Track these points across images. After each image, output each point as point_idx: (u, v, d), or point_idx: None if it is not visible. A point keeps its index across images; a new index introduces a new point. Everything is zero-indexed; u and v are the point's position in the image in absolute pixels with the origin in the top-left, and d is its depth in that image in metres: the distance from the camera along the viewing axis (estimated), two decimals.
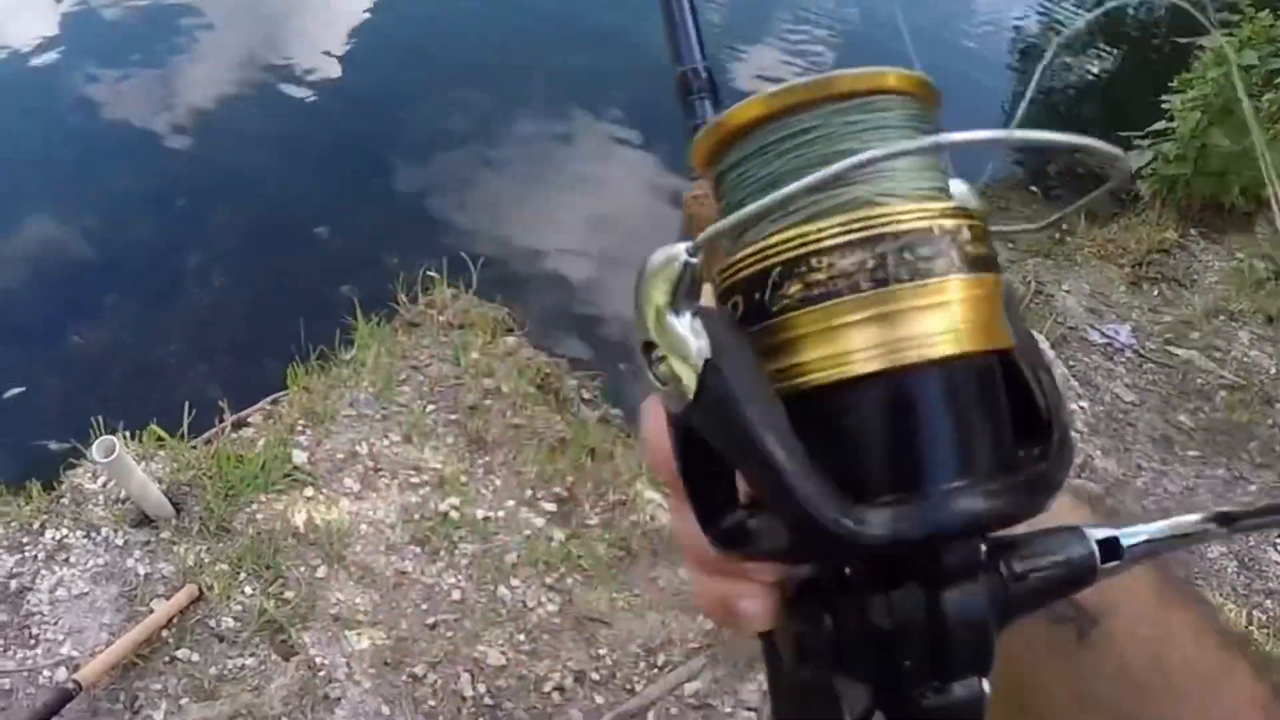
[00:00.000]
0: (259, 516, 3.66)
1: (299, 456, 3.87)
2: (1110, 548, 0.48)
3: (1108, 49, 10.14)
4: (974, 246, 0.45)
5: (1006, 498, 0.44)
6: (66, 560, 3.50)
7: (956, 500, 0.43)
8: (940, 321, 0.43)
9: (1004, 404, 0.46)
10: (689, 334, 0.44)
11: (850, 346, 0.43)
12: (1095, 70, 9.90)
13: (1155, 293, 5.74)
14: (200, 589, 3.40)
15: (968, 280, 0.44)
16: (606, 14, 7.98)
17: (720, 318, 0.45)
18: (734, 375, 0.43)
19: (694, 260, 0.44)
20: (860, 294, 0.43)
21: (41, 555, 3.52)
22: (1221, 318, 5.56)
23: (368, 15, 8.29)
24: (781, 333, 0.44)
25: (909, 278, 0.43)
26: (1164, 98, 6.24)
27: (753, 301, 0.45)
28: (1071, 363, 5.04)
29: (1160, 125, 6.18)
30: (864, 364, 0.43)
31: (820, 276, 0.43)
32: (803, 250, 0.44)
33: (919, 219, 0.44)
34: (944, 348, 0.43)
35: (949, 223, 0.45)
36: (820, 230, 0.43)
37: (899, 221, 0.43)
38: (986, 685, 0.45)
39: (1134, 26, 10.80)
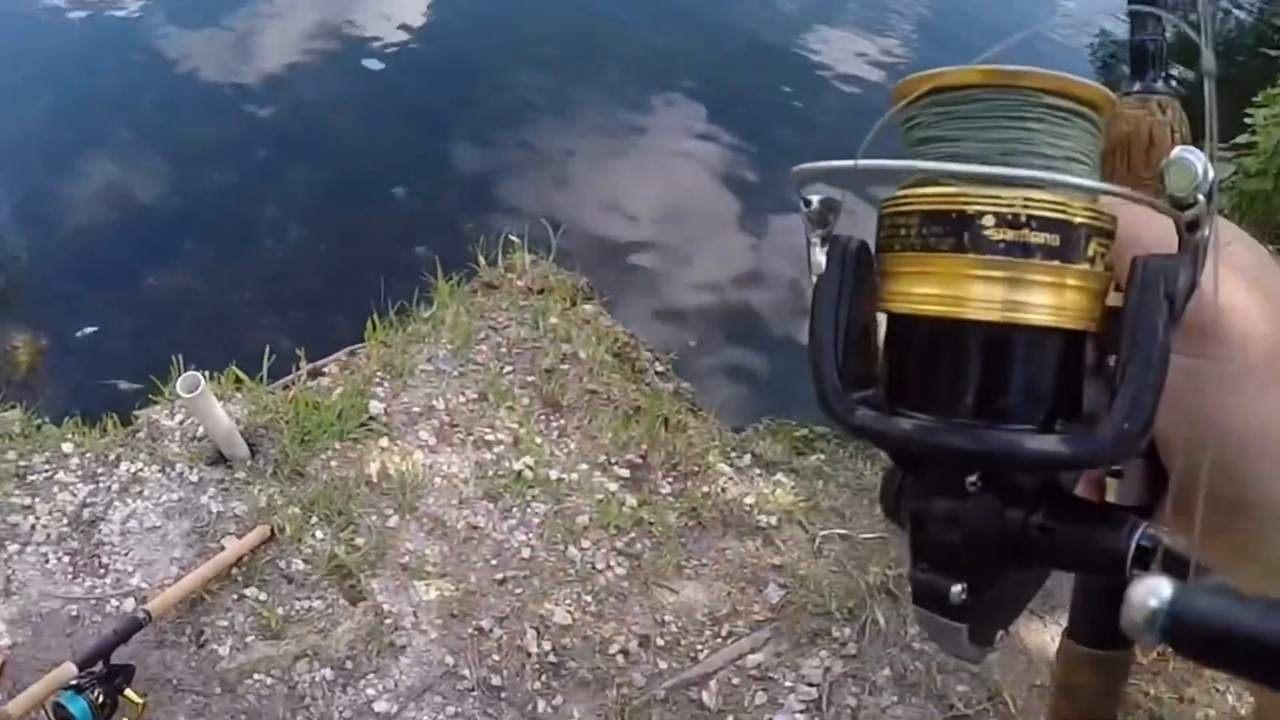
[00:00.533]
0: (333, 463, 3.69)
1: (375, 407, 3.89)
2: (1143, 556, 0.52)
3: (1184, 63, 10.01)
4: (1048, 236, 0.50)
5: (975, 442, 0.51)
6: (140, 493, 3.54)
7: (926, 429, 0.52)
8: (989, 290, 0.50)
9: (1026, 375, 0.53)
10: (820, 258, 0.55)
11: (923, 289, 0.52)
12: (1176, 81, 9.77)
13: None
14: (272, 530, 3.43)
15: (1043, 265, 0.50)
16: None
17: (840, 246, 0.55)
18: (826, 289, 0.54)
19: (814, 207, 0.56)
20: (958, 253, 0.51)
21: (115, 487, 3.57)
22: None
23: None
24: (902, 264, 0.54)
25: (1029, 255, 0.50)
26: (1247, 111, 6.17)
27: (895, 232, 0.54)
28: None
29: (1243, 139, 6.12)
30: (922, 305, 0.52)
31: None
32: (953, 207, 0.51)
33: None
34: (989, 314, 0.50)
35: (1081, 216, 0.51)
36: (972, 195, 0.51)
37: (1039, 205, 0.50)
38: (960, 589, 0.53)
39: (1218, 38, 10.70)
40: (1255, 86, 6.20)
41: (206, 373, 3.93)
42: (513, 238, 4.80)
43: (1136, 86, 0.69)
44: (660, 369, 4.61)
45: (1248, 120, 6.11)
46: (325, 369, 4.21)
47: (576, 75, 7.45)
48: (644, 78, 7.28)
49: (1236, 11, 11.64)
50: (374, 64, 7.33)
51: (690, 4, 7.87)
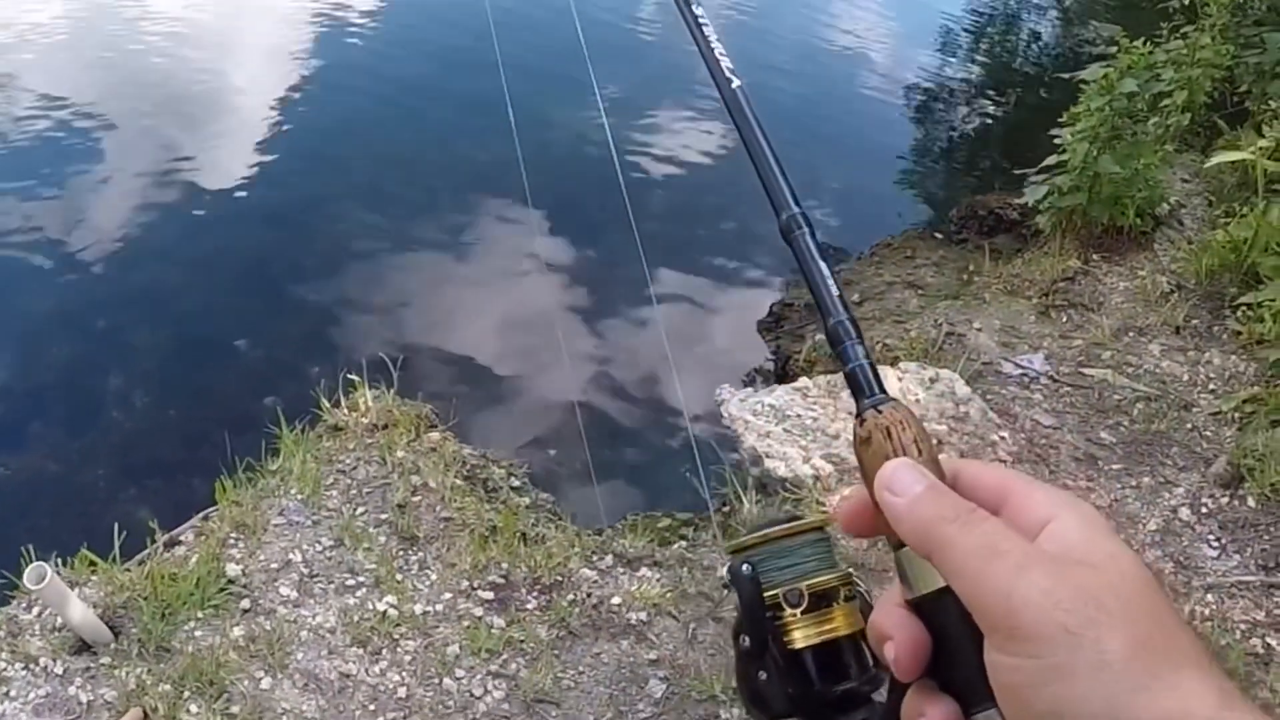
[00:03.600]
0: (198, 633, 3.65)
1: (233, 570, 3.86)
2: None
3: (999, 95, 10.42)
4: (846, 590, 0.87)
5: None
6: (7, 694, 3.47)
7: None
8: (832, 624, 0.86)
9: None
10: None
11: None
12: (992, 115, 10.15)
13: (1064, 319, 5.87)
14: (145, 712, 3.38)
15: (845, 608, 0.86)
16: (516, 105, 8.08)
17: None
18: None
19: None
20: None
21: None
22: (1130, 335, 5.70)
23: (275, 127, 8.33)
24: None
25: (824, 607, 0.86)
26: (1054, 133, 6.42)
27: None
28: (989, 396, 5.14)
29: (1052, 159, 6.36)
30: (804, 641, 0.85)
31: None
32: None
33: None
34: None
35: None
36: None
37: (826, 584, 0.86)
38: None
39: (1022, 70, 11.12)
40: (1064, 109, 6.45)
41: (60, 558, 3.89)
42: (352, 376, 4.80)
43: (865, 403, 0.80)
44: (515, 484, 4.64)
45: (1056, 141, 6.34)
46: (181, 537, 4.17)
47: (407, 201, 7.51)
48: (474, 194, 7.36)
49: (1040, 39, 12.14)
50: (204, 213, 7.31)
51: (523, 116, 7.97)
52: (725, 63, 1.02)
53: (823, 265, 0.87)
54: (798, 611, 0.84)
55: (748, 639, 0.86)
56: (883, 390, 0.81)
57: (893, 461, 0.74)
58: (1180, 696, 0.59)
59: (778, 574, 0.85)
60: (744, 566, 0.86)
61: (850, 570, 0.87)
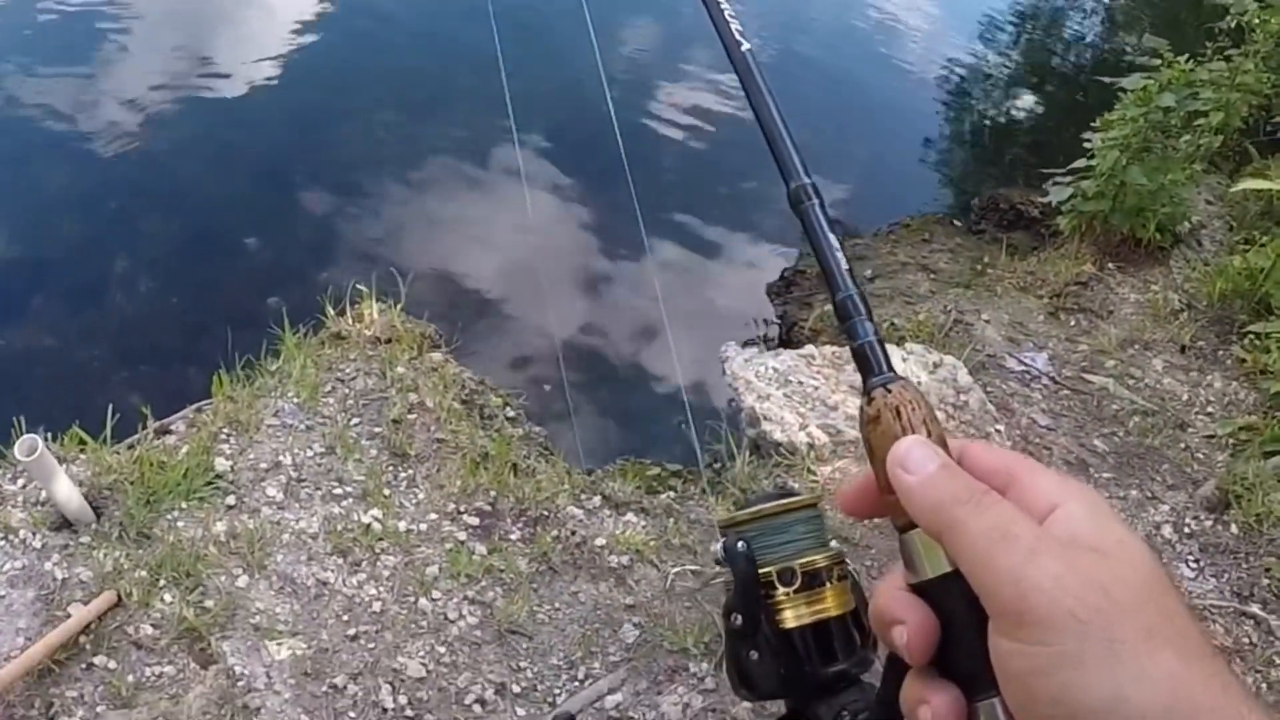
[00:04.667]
0: (180, 524, 3.66)
1: (221, 465, 3.86)
2: None
3: (1034, 90, 10.38)
4: (838, 569, 0.86)
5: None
6: None
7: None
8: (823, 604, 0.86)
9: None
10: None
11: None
12: (1024, 109, 10.11)
13: (1072, 323, 5.86)
14: (119, 595, 3.39)
15: (837, 587, 0.86)
16: (535, 40, 8.02)
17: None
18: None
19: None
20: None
21: None
22: (1136, 347, 5.70)
23: (300, 33, 8.28)
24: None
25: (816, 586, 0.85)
26: (1085, 136, 6.39)
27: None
28: (989, 388, 5.14)
29: (1080, 163, 6.34)
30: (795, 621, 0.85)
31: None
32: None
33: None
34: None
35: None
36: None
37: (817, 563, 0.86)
38: None
39: (1059, 69, 11.06)
40: (1097, 113, 6.42)
41: (50, 434, 3.88)
42: (360, 287, 4.79)
43: (873, 381, 0.78)
44: (511, 414, 4.63)
45: (1086, 145, 6.32)
46: (172, 426, 4.17)
47: (426, 124, 7.46)
48: (494, 122, 7.31)
49: (1082, 41, 12.06)
50: (230, 107, 7.29)
51: (549, 49, 7.90)
52: (735, 25, 0.98)
53: (832, 238, 0.85)
54: (790, 590, 0.84)
55: (739, 617, 0.85)
56: (891, 369, 0.79)
57: (907, 439, 0.73)
58: (1186, 687, 0.59)
59: (771, 552, 0.85)
60: (739, 543, 0.85)
61: (841, 550, 0.87)
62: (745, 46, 0.97)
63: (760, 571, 0.84)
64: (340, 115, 7.48)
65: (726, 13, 0.99)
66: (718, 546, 0.87)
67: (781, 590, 0.84)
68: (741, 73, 0.96)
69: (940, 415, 4.72)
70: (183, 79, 7.51)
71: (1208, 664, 0.61)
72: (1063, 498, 0.68)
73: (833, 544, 0.87)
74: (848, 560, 0.87)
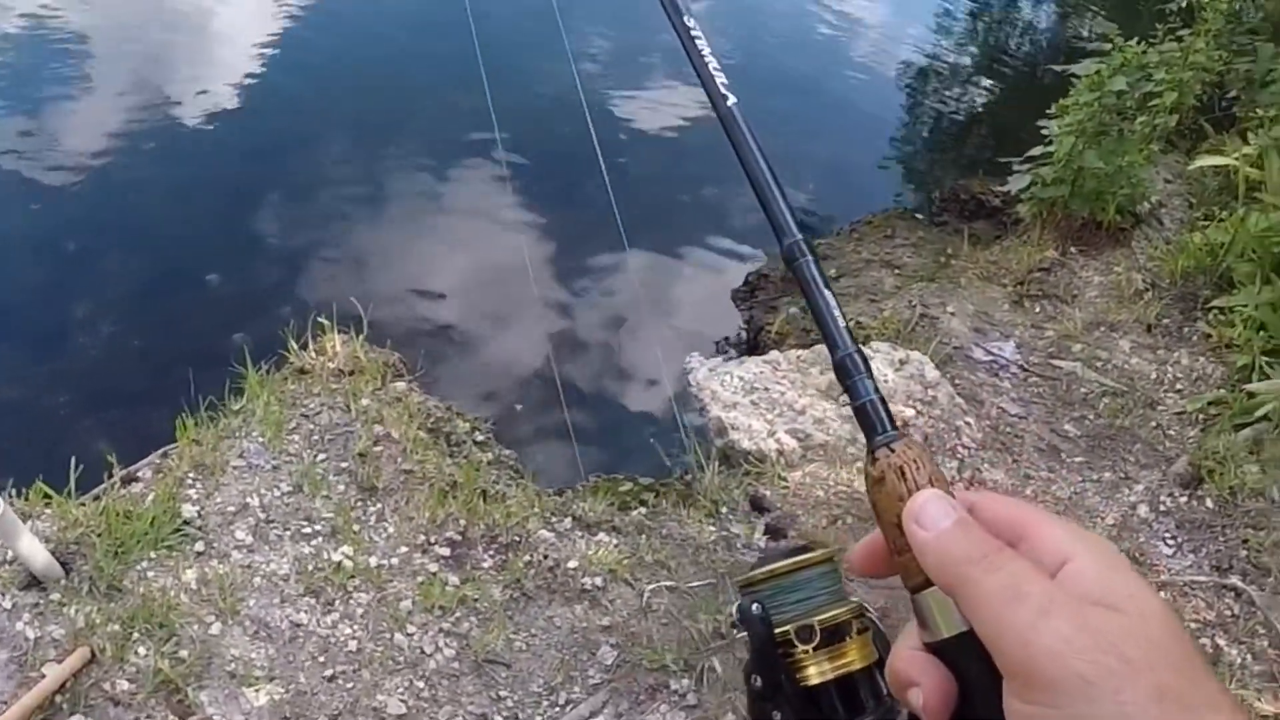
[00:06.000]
0: (150, 574, 3.63)
1: (189, 511, 3.83)
2: None
3: (990, 81, 10.44)
4: (859, 622, 0.84)
5: None
6: None
7: None
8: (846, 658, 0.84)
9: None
10: None
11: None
12: (981, 100, 10.17)
13: (1037, 309, 5.89)
14: (93, 651, 3.35)
15: (859, 640, 0.84)
16: (493, 57, 8.01)
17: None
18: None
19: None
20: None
21: None
22: (1102, 329, 5.73)
23: (255, 60, 8.25)
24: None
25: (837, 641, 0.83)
26: (1041, 123, 6.43)
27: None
28: (957, 381, 5.15)
29: (1037, 150, 6.37)
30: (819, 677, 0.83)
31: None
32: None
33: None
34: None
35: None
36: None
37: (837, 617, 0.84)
38: None
39: (1015, 58, 11.13)
40: (1054, 100, 6.46)
41: (15, 488, 3.85)
42: (321, 319, 4.76)
43: (877, 440, 0.78)
44: (479, 439, 4.62)
45: (1043, 132, 6.36)
46: (139, 474, 4.14)
47: (386, 147, 7.45)
48: (453, 143, 7.29)
49: (1036, 29, 12.16)
50: (184, 144, 7.25)
51: (498, 65, 7.90)
52: (720, 78, 0.96)
53: (828, 295, 0.85)
54: (810, 648, 0.83)
55: (759, 679, 0.85)
56: (894, 426, 0.79)
57: (924, 492, 0.73)
58: None
59: (788, 610, 0.85)
60: (754, 606, 0.85)
61: (861, 602, 0.86)
62: (731, 100, 0.95)
63: (778, 630, 0.83)
64: (298, 142, 7.46)
65: (711, 66, 0.97)
66: (733, 608, 0.87)
67: (801, 648, 0.83)
68: (728, 127, 0.94)
69: (908, 412, 4.76)
70: (138, 112, 7.47)
71: None
72: (1074, 550, 0.67)
73: (852, 597, 0.86)
74: (868, 610, 0.87)
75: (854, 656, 0.83)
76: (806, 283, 0.87)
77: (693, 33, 1.00)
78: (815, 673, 0.83)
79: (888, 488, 0.76)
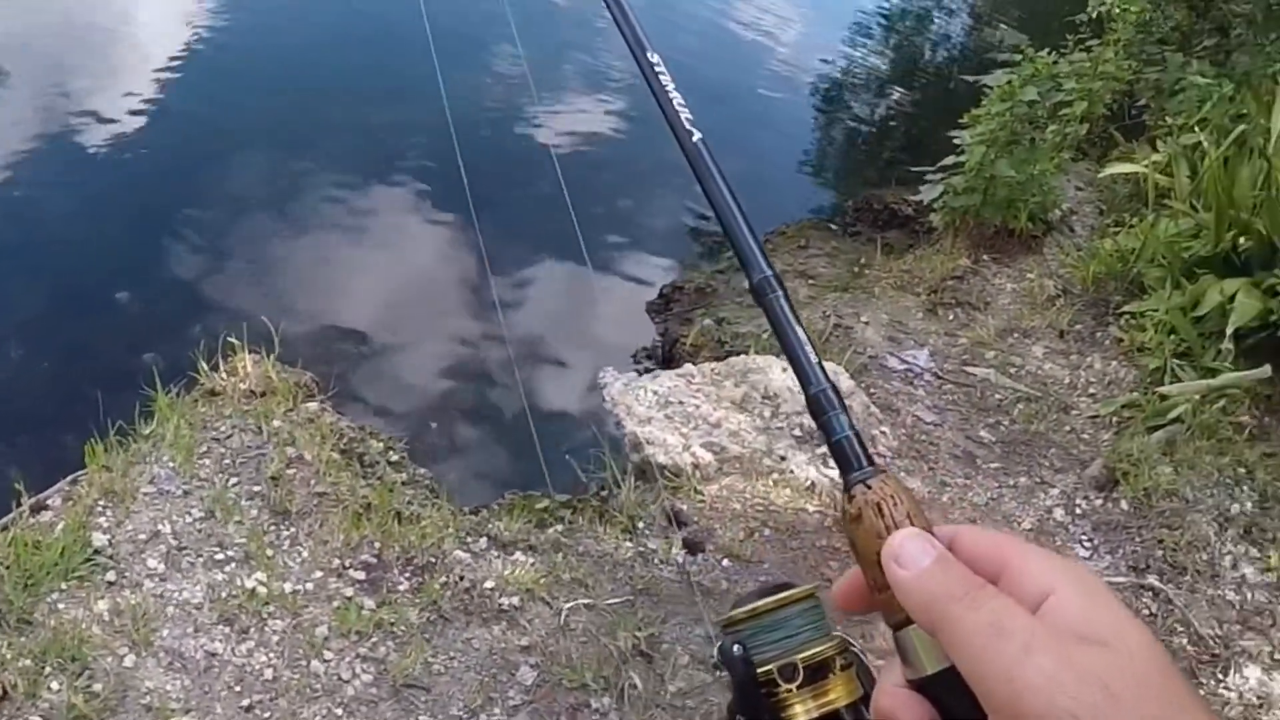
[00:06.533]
0: (61, 606, 3.56)
1: (99, 539, 3.77)
2: None
3: (904, 91, 10.55)
4: (842, 658, 0.84)
5: None
6: None
7: None
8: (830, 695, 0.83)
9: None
10: None
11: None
12: (894, 110, 10.27)
13: (951, 317, 5.95)
14: (4, 688, 3.29)
15: (843, 676, 0.84)
16: (408, 72, 7.96)
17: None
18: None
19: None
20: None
21: None
22: (1015, 336, 5.81)
23: (168, 77, 8.12)
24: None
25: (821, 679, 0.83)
26: (953, 133, 6.51)
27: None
28: (872, 390, 5.19)
29: (950, 160, 6.45)
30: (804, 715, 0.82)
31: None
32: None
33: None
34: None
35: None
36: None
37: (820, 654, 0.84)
38: None
39: (929, 68, 11.26)
40: (968, 110, 6.54)
41: None
42: (232, 339, 4.69)
43: (853, 477, 0.78)
44: (393, 459, 4.58)
45: (955, 142, 6.44)
46: (48, 502, 4.06)
47: (299, 163, 7.37)
48: (366, 157, 7.24)
49: (949, 39, 12.32)
50: (95, 156, 7.13)
51: (410, 77, 7.84)
52: (685, 114, 0.96)
53: (800, 330, 0.85)
54: (794, 686, 0.82)
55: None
56: (870, 462, 0.79)
57: (902, 532, 0.73)
58: None
59: (770, 649, 0.84)
60: (734, 646, 0.84)
61: (845, 637, 0.86)
62: (696, 136, 0.95)
63: (760, 670, 0.83)
64: (208, 157, 7.35)
65: (676, 102, 0.97)
66: (715, 650, 0.89)
67: (785, 686, 0.82)
68: (694, 163, 0.94)
69: None
70: (41, 126, 7.32)
71: None
72: (1056, 582, 0.67)
73: (835, 633, 0.86)
74: (853, 645, 0.87)
75: (838, 693, 0.83)
76: (778, 319, 0.86)
77: (656, 68, 1.01)
78: (800, 711, 0.82)
79: (865, 525, 0.75)
